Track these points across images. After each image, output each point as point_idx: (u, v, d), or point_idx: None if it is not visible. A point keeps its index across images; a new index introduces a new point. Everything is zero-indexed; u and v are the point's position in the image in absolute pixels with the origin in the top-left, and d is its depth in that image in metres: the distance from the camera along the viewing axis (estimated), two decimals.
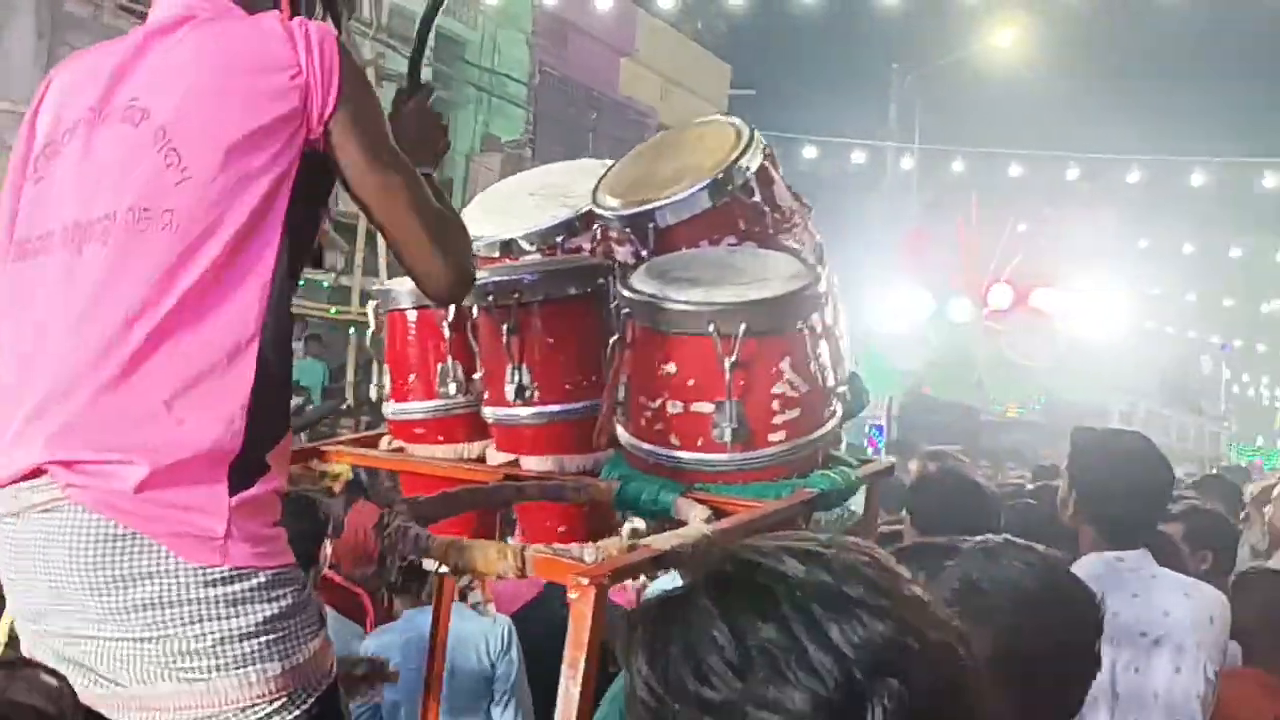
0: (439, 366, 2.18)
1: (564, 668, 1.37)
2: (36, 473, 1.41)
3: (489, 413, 2.10)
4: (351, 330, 12.53)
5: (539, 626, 3.31)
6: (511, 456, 2.09)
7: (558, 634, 3.12)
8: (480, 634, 3.10)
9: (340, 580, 3.33)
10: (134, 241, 1.44)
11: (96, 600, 1.40)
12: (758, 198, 1.93)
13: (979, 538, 1.35)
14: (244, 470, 1.42)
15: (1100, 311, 12.97)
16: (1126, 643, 2.23)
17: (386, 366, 2.29)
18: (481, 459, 2.16)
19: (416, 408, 2.23)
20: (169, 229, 1.44)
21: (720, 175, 1.90)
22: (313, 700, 1.46)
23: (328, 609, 2.62)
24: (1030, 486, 5.11)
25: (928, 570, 1.22)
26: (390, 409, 2.28)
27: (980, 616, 1.17)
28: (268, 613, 1.42)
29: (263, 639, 1.41)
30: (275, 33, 1.51)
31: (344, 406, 10.57)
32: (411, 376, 2.23)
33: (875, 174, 19.19)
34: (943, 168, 18.59)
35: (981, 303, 13.08)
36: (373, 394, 2.31)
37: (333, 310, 12.66)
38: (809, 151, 17.98)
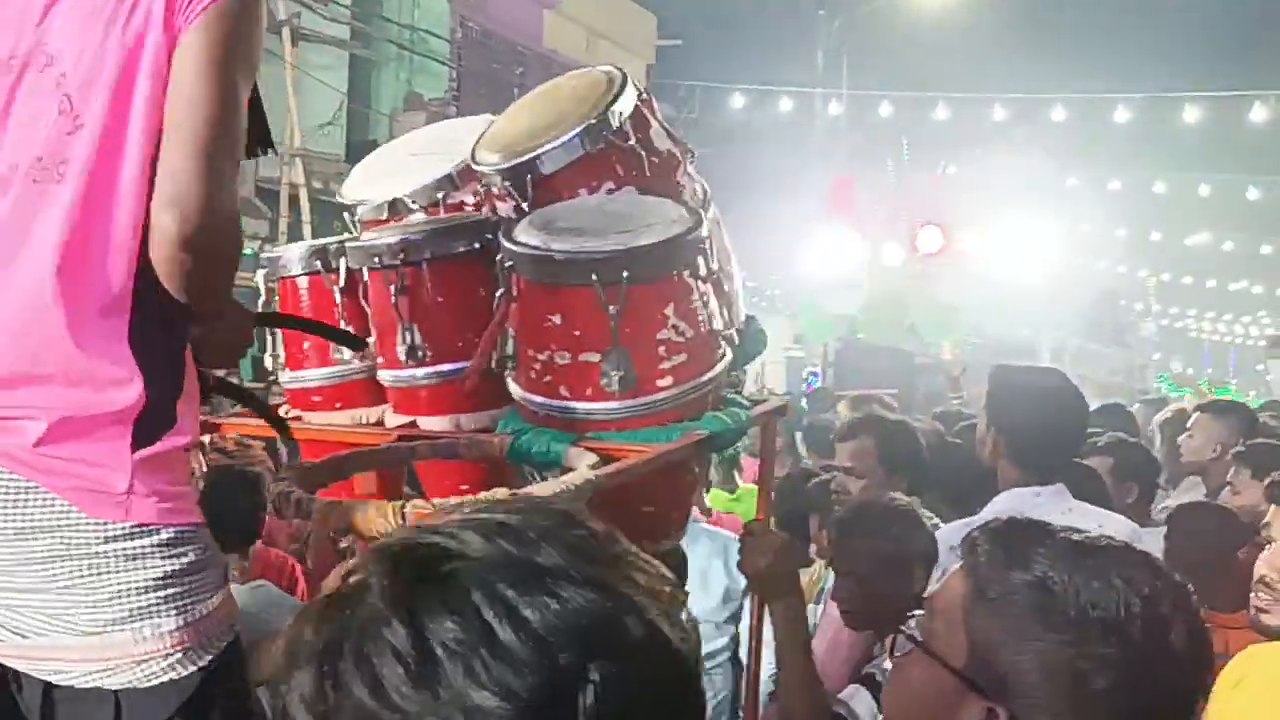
0: None
1: None
2: None
3: (384, 375, 2.08)
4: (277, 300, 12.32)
5: None
6: (410, 419, 2.08)
7: None
8: None
9: (276, 554, 3.31)
10: (31, 195, 1.44)
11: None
12: (633, 142, 1.91)
13: (1071, 528, 1.12)
14: (149, 424, 1.43)
15: (1030, 250, 13.18)
16: None
17: (279, 334, 2.26)
18: (380, 423, 2.15)
19: (312, 375, 2.21)
20: (61, 181, 1.43)
21: (594, 120, 1.89)
22: (210, 657, 1.47)
23: (267, 582, 2.64)
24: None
25: (1011, 555, 1.08)
26: (286, 377, 2.25)
27: (1048, 628, 1.02)
28: (167, 569, 1.43)
29: (159, 593, 1.43)
30: None
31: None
32: (306, 344, 2.20)
33: (804, 121, 19.20)
34: (871, 112, 18.66)
35: (911, 246, 13.21)
36: (268, 363, 2.27)
37: (255, 279, 12.43)
38: (737, 100, 17.94)
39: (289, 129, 13.53)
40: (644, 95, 1.96)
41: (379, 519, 1.51)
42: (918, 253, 13.07)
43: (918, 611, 1.17)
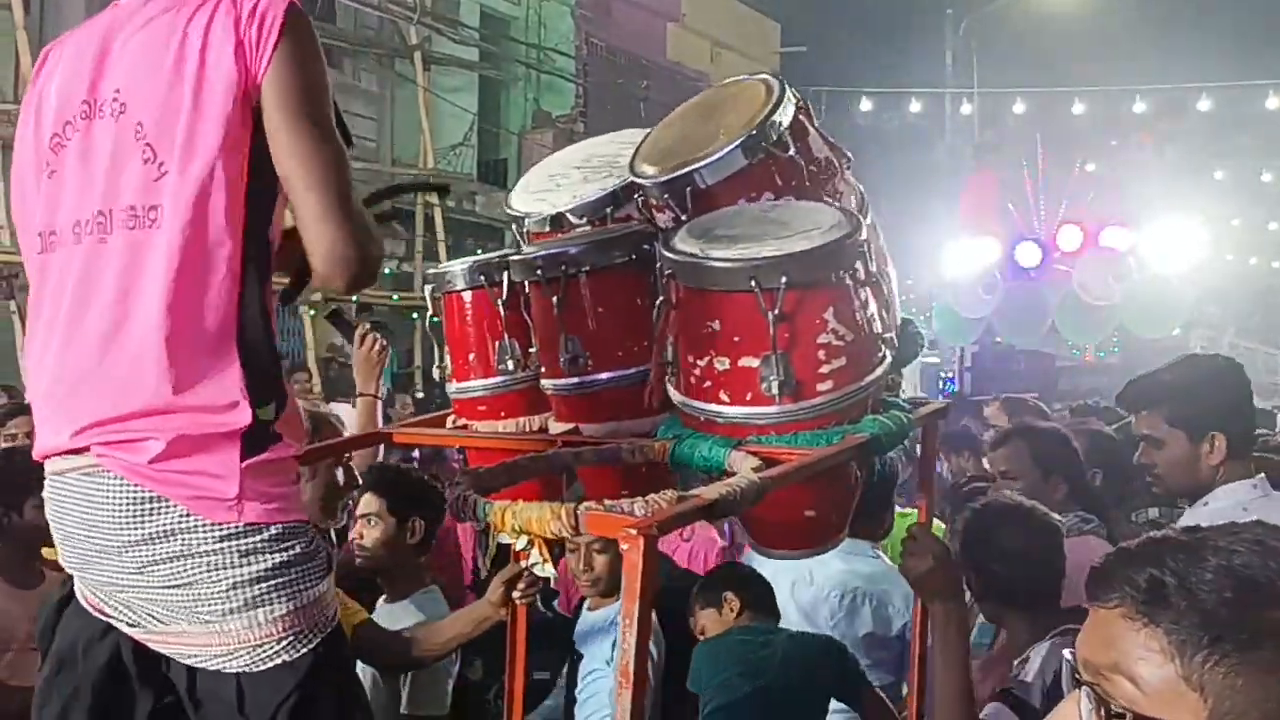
0: (496, 344, 2.25)
1: (621, 618, 1.41)
2: (76, 449, 1.60)
3: (547, 385, 2.15)
4: (414, 316, 12.71)
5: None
6: (571, 426, 2.14)
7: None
8: None
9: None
10: (133, 242, 1.57)
11: (128, 555, 1.57)
12: (793, 152, 1.92)
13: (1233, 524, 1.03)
14: (255, 439, 1.58)
15: (1176, 246, 12.58)
16: None
17: (447, 347, 2.36)
18: (543, 430, 2.22)
19: (477, 385, 2.30)
20: (155, 226, 1.56)
21: (754, 132, 1.90)
22: (319, 639, 1.63)
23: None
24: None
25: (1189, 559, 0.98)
26: (453, 388, 2.35)
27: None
28: (276, 561, 1.58)
29: (270, 583, 1.58)
30: (223, 5, 1.57)
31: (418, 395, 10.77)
32: (471, 355, 2.30)
33: (935, 123, 18.80)
34: (1004, 111, 18.11)
35: (1051, 246, 12.77)
36: (436, 374, 2.39)
37: (395, 297, 12.86)
38: (865, 105, 17.67)
39: (423, 151, 13.98)
40: (802, 103, 1.97)
41: (553, 520, 1.56)
42: (1058, 252, 12.64)
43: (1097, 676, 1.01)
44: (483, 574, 3.75)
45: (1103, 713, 0.98)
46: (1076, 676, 1.02)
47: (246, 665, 1.59)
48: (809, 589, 3.23)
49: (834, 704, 2.90)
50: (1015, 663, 2.41)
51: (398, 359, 12.40)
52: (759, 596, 2.94)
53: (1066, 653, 1.06)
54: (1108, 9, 20.34)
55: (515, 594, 2.56)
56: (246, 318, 1.58)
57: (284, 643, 1.60)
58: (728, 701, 2.73)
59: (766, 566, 3.26)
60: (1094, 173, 16.44)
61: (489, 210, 14.84)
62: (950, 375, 16.50)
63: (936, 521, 3.70)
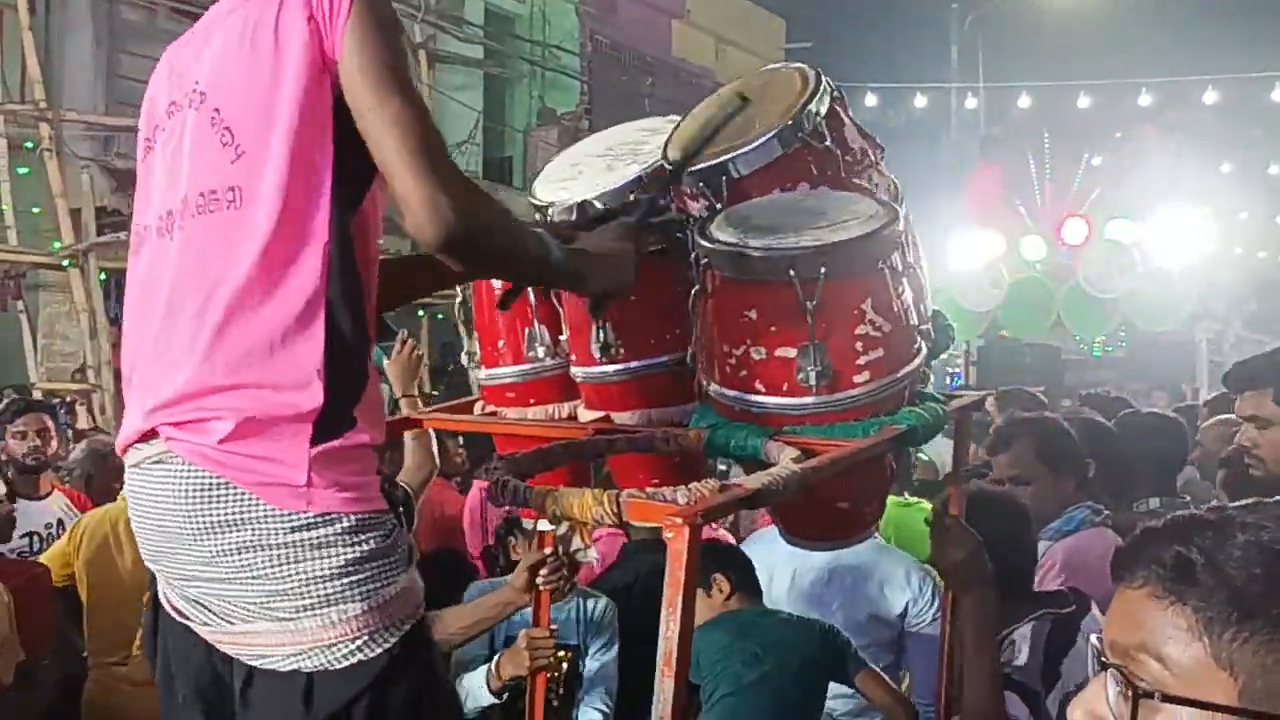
0: (526, 331, 2.24)
1: (664, 607, 1.41)
2: (150, 435, 1.56)
3: (577, 372, 2.15)
4: (420, 314, 12.70)
5: (612, 586, 3.43)
6: (601, 414, 2.15)
7: (635, 593, 3.15)
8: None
9: None
10: (206, 223, 1.55)
11: (198, 545, 1.52)
12: (829, 142, 1.92)
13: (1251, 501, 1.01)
14: (329, 424, 1.50)
15: (1182, 240, 12.54)
16: None
17: (476, 333, 2.36)
18: (573, 418, 2.22)
19: (507, 372, 2.30)
20: (233, 206, 1.53)
21: (790, 122, 1.90)
22: (396, 640, 1.54)
23: None
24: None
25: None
26: (482, 375, 2.35)
27: None
28: (350, 555, 1.50)
29: (345, 580, 1.50)
30: None
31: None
32: (500, 342, 2.29)
33: (940, 117, 18.80)
34: (1009, 105, 18.13)
35: (1056, 239, 12.75)
36: (464, 360, 2.39)
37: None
38: (870, 100, 17.68)
39: None
40: (837, 93, 1.96)
41: (595, 505, 1.56)
42: (1063, 245, 12.62)
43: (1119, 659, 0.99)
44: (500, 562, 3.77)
45: (1130, 694, 0.95)
46: (1102, 659, 1.00)
47: (319, 665, 1.51)
48: (810, 574, 3.24)
49: (835, 687, 2.93)
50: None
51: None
52: (745, 577, 2.96)
53: (1094, 637, 1.05)
54: (1113, 2, 20.29)
55: (539, 579, 2.57)
56: (334, 295, 1.51)
57: (359, 642, 1.51)
58: (734, 687, 2.75)
59: (769, 553, 3.29)
60: (1100, 166, 16.40)
61: None
62: (956, 369, 16.47)
63: (924, 503, 3.70)
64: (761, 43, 19.08)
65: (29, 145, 9.62)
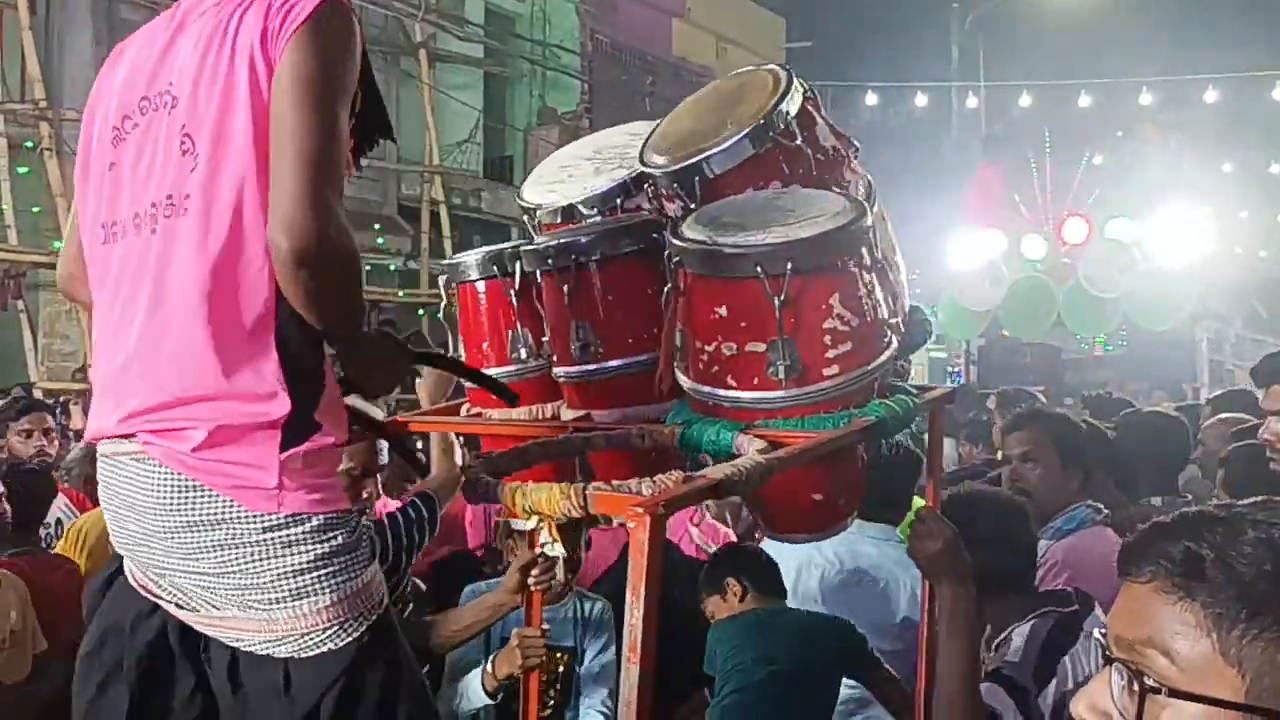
0: (509, 333, 2.28)
1: (628, 595, 1.45)
2: (125, 435, 1.63)
3: (558, 372, 2.19)
4: (420, 312, 12.74)
5: (617, 586, 3.43)
6: (583, 412, 2.18)
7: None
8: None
9: None
10: (169, 231, 1.61)
11: (174, 541, 1.60)
12: (800, 141, 1.95)
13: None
14: (295, 428, 1.59)
15: (1183, 239, 12.55)
16: None
17: (460, 337, 2.39)
18: (555, 417, 2.26)
19: (491, 374, 2.33)
20: (189, 214, 1.58)
21: (761, 122, 1.93)
22: (365, 627, 1.63)
23: None
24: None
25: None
26: None
27: None
28: (318, 551, 1.59)
29: (313, 574, 1.59)
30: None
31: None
32: (484, 345, 2.33)
33: (941, 117, 18.80)
34: (1010, 104, 18.12)
35: (1056, 238, 12.77)
36: None
37: (401, 294, 12.90)
38: (871, 99, 17.68)
39: (428, 148, 14.00)
40: (809, 93, 2.00)
41: (563, 500, 1.60)
42: (1063, 244, 12.64)
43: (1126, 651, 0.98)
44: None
45: (1135, 688, 0.95)
46: (1107, 654, 1.00)
47: (294, 651, 1.61)
48: (814, 571, 3.25)
49: (846, 681, 2.94)
50: (994, 644, 2.45)
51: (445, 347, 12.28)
52: (762, 579, 2.96)
53: (1097, 632, 1.05)
54: (1113, 1, 20.29)
55: (530, 580, 2.61)
56: (283, 306, 1.58)
57: (329, 631, 1.61)
58: (743, 685, 2.77)
59: (794, 550, 3.29)
60: (1101, 165, 16.40)
61: (495, 207, 14.89)
62: (957, 368, 16.49)
63: (917, 500, 3.71)
64: (762, 42, 19.11)
65: (29, 144, 9.66)
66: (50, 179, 9.28)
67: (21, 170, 9.84)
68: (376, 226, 13.59)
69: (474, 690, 2.87)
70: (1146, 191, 14.53)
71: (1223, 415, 4.57)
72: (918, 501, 3.82)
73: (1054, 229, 13.11)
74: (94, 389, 1.75)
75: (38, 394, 7.96)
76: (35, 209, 9.91)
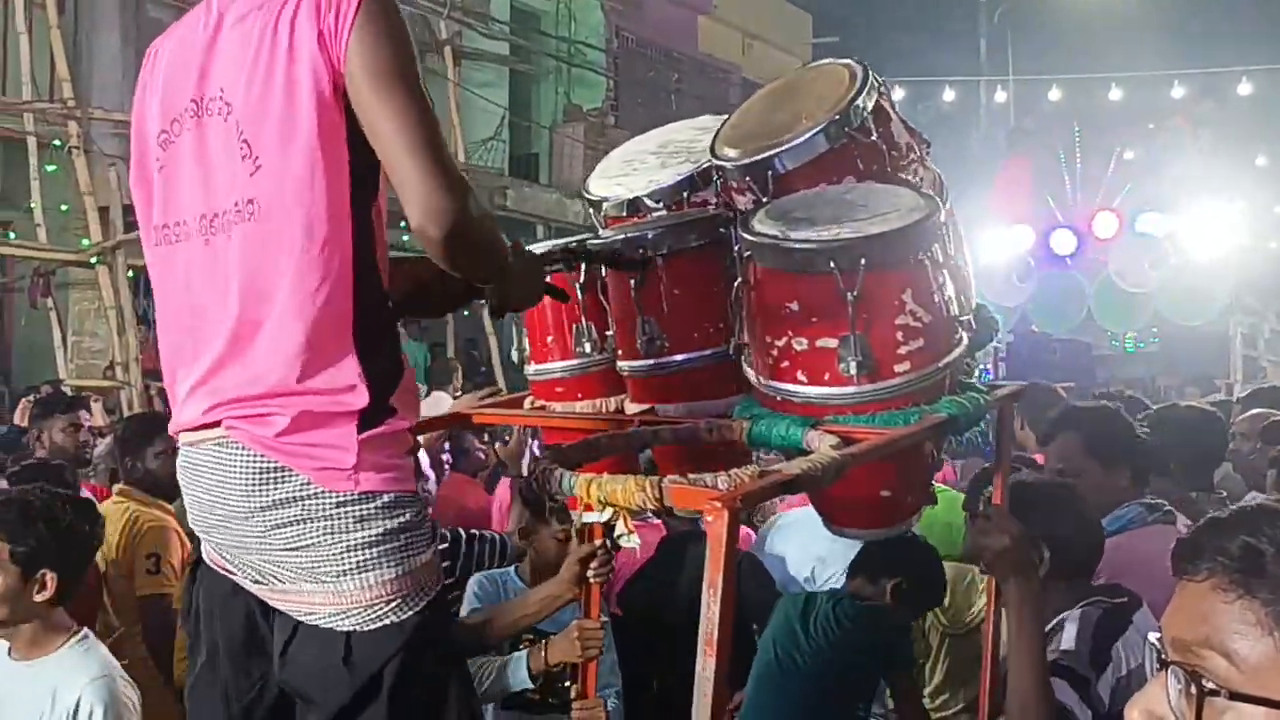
0: (574, 327, 2.29)
1: (704, 589, 1.44)
2: (210, 424, 1.71)
3: (623, 366, 2.20)
4: None
5: (651, 584, 3.47)
6: (647, 406, 2.18)
7: (666, 592, 3.17)
8: None
9: None
10: (242, 233, 1.66)
11: (253, 521, 1.68)
12: (875, 137, 1.95)
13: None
14: (372, 414, 1.67)
15: (1216, 233, 12.42)
16: None
17: (524, 330, 2.41)
18: (620, 411, 2.27)
19: (555, 367, 2.35)
20: (255, 218, 1.64)
21: (837, 117, 1.93)
22: (425, 602, 1.71)
23: None
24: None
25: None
26: (531, 370, 2.40)
27: None
28: (387, 527, 1.67)
29: (382, 548, 1.67)
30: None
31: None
32: (549, 338, 2.35)
33: (969, 110, 18.69)
34: (1039, 98, 17.98)
35: (1086, 232, 12.66)
36: (514, 356, 2.44)
37: None
38: (899, 93, 17.56)
39: (454, 146, 14.02)
40: (884, 89, 1.99)
41: (638, 492, 1.60)
42: (1093, 239, 12.52)
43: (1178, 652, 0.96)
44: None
45: (1193, 691, 0.91)
46: (1162, 657, 0.96)
47: (358, 624, 1.68)
48: (829, 569, 3.25)
49: None
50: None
51: (427, 354, 12.36)
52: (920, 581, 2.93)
53: (1152, 636, 1.01)
54: None
55: (590, 572, 2.61)
56: (361, 301, 1.66)
57: (392, 604, 1.69)
58: (767, 664, 2.80)
59: (788, 549, 3.29)
60: (1131, 159, 16.25)
61: (520, 204, 14.88)
62: (986, 366, 16.38)
63: (951, 491, 3.67)
64: (788, 37, 19.04)
65: (57, 143, 9.72)
66: (78, 177, 9.34)
67: (50, 169, 9.91)
68: (403, 224, 13.60)
69: (517, 671, 2.85)
70: (1178, 185, 14.38)
71: (1255, 411, 4.51)
72: (951, 494, 3.81)
73: (1084, 223, 12.98)
74: (171, 388, 1.80)
75: (66, 391, 8.04)
76: (64, 207, 9.98)
